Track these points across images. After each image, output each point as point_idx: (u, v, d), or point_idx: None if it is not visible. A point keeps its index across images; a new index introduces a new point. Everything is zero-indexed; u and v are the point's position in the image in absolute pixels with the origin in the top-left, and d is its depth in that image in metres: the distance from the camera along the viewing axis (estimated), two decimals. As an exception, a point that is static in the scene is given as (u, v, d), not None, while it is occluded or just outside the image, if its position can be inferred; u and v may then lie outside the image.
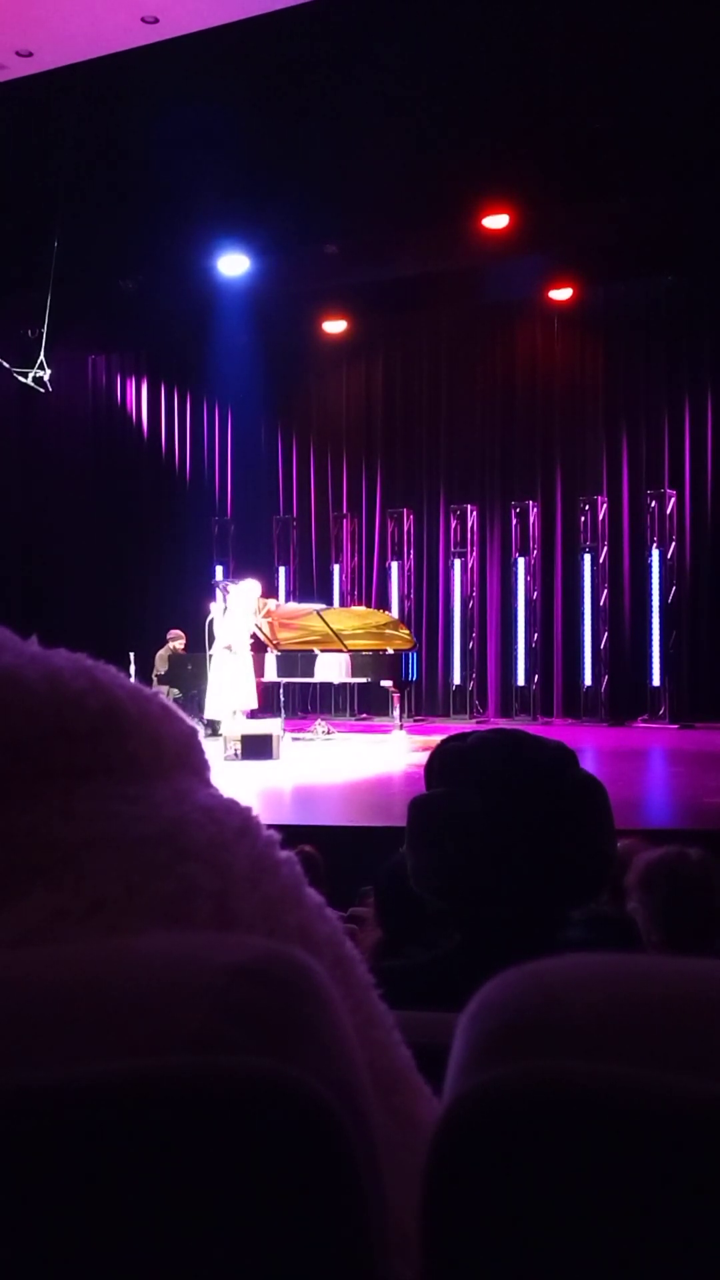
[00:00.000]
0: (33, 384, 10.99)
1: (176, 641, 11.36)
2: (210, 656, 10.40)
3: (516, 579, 12.66)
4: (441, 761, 1.34)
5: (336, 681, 11.51)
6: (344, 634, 10.66)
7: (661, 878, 2.36)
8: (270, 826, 0.47)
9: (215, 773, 0.50)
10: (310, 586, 13.34)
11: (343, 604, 12.83)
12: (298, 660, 10.79)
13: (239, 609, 10.33)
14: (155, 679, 10.83)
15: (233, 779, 7.75)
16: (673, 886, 2.35)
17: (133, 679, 0.48)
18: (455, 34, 8.67)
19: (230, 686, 10.04)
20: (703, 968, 0.34)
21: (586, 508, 12.34)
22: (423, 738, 9.90)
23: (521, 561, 12.60)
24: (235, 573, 12.58)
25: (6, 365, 10.97)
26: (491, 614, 12.91)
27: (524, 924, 1.22)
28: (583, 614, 12.34)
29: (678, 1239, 0.28)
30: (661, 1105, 0.28)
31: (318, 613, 10.88)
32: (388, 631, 10.80)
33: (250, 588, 10.55)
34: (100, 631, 11.48)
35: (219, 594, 10.65)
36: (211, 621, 10.46)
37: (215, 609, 10.47)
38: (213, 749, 8.45)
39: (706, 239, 10.53)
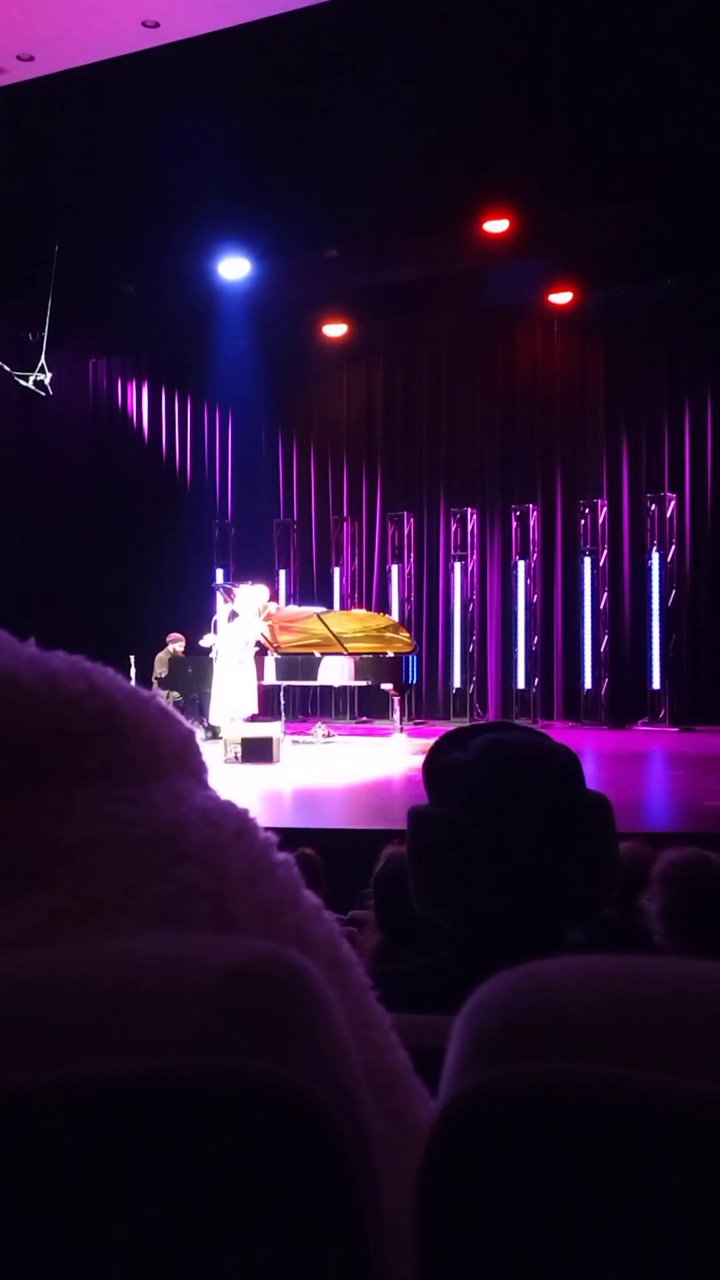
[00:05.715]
0: (34, 388, 11.00)
1: (176, 644, 11.35)
2: (213, 660, 10.39)
3: (516, 582, 12.65)
4: (443, 777, 1.31)
5: (339, 685, 11.50)
6: (344, 637, 10.66)
7: (680, 879, 2.35)
8: (270, 829, 0.47)
9: (215, 776, 0.50)
10: (310, 590, 13.35)
11: (343, 607, 12.83)
12: (298, 663, 10.78)
13: (246, 613, 10.31)
14: (155, 682, 10.82)
15: (233, 782, 7.75)
16: (690, 889, 2.34)
17: (133, 682, 0.48)
18: (456, 39, 8.68)
19: (233, 693, 10.04)
20: (700, 968, 0.34)
21: (586, 511, 12.34)
22: (423, 741, 9.89)
23: (521, 564, 12.60)
24: (236, 576, 12.58)
25: (8, 369, 10.97)
26: (491, 617, 12.91)
27: (522, 935, 1.22)
28: (583, 617, 12.34)
29: (674, 1241, 0.28)
30: (658, 1106, 0.28)
31: (318, 616, 10.87)
32: (388, 634, 10.81)
33: (259, 592, 10.54)
34: (100, 634, 11.49)
35: (220, 596, 10.64)
36: (216, 623, 10.45)
37: (221, 612, 10.46)
38: (213, 752, 8.45)
39: (706, 243, 10.55)
